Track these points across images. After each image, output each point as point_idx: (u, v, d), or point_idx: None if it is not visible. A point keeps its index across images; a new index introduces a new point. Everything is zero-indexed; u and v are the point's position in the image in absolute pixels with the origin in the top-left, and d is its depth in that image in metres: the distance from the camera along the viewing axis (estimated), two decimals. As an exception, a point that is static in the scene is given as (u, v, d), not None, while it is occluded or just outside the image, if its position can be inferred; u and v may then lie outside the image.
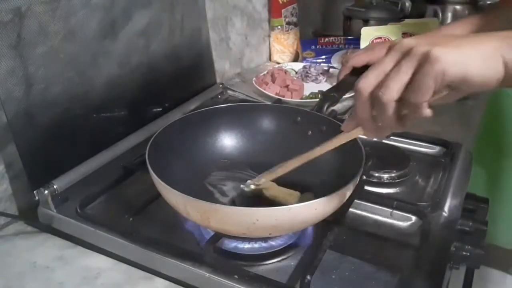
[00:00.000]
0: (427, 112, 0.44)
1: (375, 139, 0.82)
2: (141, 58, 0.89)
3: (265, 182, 0.67)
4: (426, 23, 1.25)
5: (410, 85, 0.43)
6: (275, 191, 0.67)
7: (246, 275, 0.59)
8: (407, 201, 0.72)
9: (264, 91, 1.11)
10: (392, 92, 0.44)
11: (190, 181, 0.71)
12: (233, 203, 0.70)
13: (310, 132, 0.78)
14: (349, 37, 1.41)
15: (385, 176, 0.78)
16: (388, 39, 1.19)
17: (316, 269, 0.57)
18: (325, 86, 1.10)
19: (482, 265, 0.67)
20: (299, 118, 0.80)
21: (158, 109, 0.94)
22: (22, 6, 0.66)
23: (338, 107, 1.05)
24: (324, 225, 0.65)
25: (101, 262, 0.65)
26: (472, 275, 0.73)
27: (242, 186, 0.69)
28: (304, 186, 0.74)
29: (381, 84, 0.45)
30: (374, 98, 0.45)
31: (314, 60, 1.34)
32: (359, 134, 0.53)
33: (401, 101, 0.44)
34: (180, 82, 1.01)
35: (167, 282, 0.62)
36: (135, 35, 0.86)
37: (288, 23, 1.41)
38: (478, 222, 0.71)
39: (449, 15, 1.38)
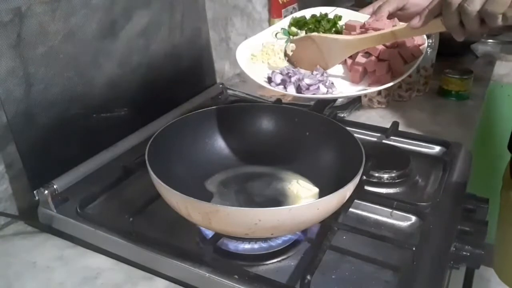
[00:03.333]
0: (500, 21, 0.56)
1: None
2: (141, 58, 0.89)
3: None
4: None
5: None
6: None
7: (246, 275, 0.59)
8: (407, 201, 0.72)
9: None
10: (476, 4, 0.56)
11: (190, 181, 0.71)
12: (233, 203, 0.70)
13: (308, 133, 0.78)
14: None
15: (385, 176, 0.78)
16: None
17: (316, 269, 0.57)
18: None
19: (482, 265, 0.67)
20: (296, 118, 0.80)
21: (158, 109, 0.94)
22: (22, 6, 0.66)
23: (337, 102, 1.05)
24: (324, 225, 0.65)
25: (101, 262, 0.65)
26: (472, 275, 0.73)
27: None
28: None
29: None
30: (461, 8, 0.57)
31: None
32: (442, 30, 0.63)
33: (482, 11, 0.56)
34: (180, 82, 1.01)
35: (167, 282, 0.62)
36: (135, 35, 0.86)
37: (288, 23, 1.41)
38: (478, 222, 0.71)
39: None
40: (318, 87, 0.68)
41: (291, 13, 1.43)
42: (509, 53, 1.50)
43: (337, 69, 0.75)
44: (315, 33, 0.77)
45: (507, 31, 1.55)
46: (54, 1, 0.70)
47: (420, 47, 0.70)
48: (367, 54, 0.71)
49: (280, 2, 1.39)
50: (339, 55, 0.71)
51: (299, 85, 0.69)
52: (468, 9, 0.56)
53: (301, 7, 1.46)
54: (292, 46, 0.75)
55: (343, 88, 0.71)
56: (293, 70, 0.72)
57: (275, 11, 1.39)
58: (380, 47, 0.70)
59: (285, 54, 0.75)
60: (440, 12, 0.61)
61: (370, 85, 0.70)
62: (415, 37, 0.71)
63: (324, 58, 0.72)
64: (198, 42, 1.05)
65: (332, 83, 0.70)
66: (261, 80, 0.71)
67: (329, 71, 0.74)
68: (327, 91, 0.69)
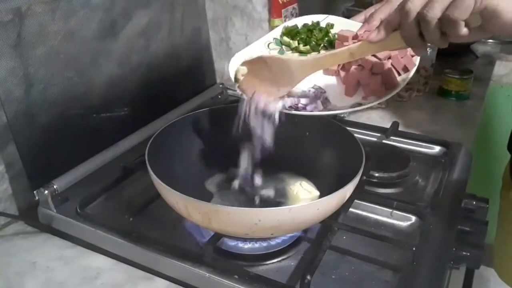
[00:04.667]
0: (464, 31, 0.52)
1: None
2: (141, 58, 0.89)
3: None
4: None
5: (453, 3, 0.51)
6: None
7: (246, 275, 0.59)
8: (407, 201, 0.72)
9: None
10: (437, 10, 0.52)
11: (190, 181, 0.71)
12: (233, 203, 0.70)
13: (307, 133, 0.78)
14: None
15: (385, 176, 0.78)
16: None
17: (316, 269, 0.57)
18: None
19: (482, 265, 0.67)
20: (296, 118, 0.80)
21: (158, 109, 0.94)
22: (22, 6, 0.66)
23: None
24: (324, 225, 0.65)
25: (101, 262, 0.65)
26: (472, 275, 0.73)
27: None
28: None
29: (426, 5, 0.52)
30: (420, 16, 0.53)
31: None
32: (401, 47, 0.59)
33: (444, 19, 0.52)
34: (180, 82, 1.01)
35: (167, 282, 0.62)
36: (135, 35, 0.86)
37: (288, 23, 1.41)
38: (478, 222, 0.71)
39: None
40: (315, 106, 0.68)
41: (291, 13, 1.43)
42: (509, 53, 1.50)
43: (331, 82, 0.73)
44: (266, 54, 0.74)
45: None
46: (54, 1, 0.70)
47: (413, 58, 0.70)
48: (360, 66, 0.70)
49: (280, 2, 1.39)
50: (293, 78, 0.66)
51: (297, 106, 0.68)
52: (428, 16, 0.52)
53: (301, 7, 1.46)
54: (242, 69, 0.69)
55: (337, 101, 0.70)
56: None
57: (275, 11, 1.39)
58: (373, 59, 0.69)
59: (235, 79, 0.69)
60: (399, 26, 0.57)
61: (364, 98, 0.69)
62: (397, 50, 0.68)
63: (277, 81, 0.66)
64: (198, 42, 1.05)
65: (327, 98, 0.70)
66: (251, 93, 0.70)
67: (323, 84, 0.72)
68: (324, 107, 0.68)
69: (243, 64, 0.68)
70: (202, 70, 1.09)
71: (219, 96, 1.10)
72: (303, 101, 0.67)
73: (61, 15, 0.72)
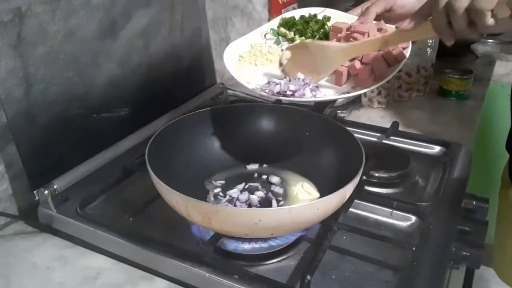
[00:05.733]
0: (491, 21, 0.54)
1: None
2: (141, 58, 0.89)
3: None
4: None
5: None
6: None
7: (246, 275, 0.59)
8: (407, 201, 0.72)
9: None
10: (463, 1, 0.54)
11: (190, 181, 0.71)
12: (234, 203, 0.70)
13: (307, 133, 0.78)
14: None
15: (385, 176, 0.78)
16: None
17: (316, 269, 0.57)
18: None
19: (482, 265, 0.67)
20: (296, 118, 0.80)
21: (158, 109, 0.94)
22: (22, 6, 0.66)
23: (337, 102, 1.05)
24: (324, 225, 0.65)
25: (101, 262, 0.65)
26: (472, 275, 0.73)
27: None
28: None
29: None
30: (449, 6, 0.55)
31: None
32: (432, 36, 0.62)
33: (471, 9, 0.54)
34: (180, 82, 1.01)
35: (167, 282, 0.62)
36: (135, 35, 0.86)
37: (288, 23, 1.41)
38: (478, 222, 0.71)
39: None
40: (303, 93, 0.68)
41: (291, 13, 1.43)
42: (509, 53, 1.50)
43: None
44: (309, 40, 0.77)
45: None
46: (54, 1, 0.70)
47: (404, 51, 0.70)
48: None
49: (280, 2, 1.39)
50: (332, 63, 0.70)
51: (285, 92, 0.68)
52: (455, 5, 0.55)
53: (301, 7, 1.46)
54: (287, 54, 0.74)
55: (327, 91, 0.71)
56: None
57: (275, 11, 1.40)
58: None
59: (280, 64, 0.74)
60: (430, 15, 0.60)
61: (353, 88, 0.70)
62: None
63: (317, 66, 0.71)
64: (198, 42, 1.05)
65: (317, 87, 0.70)
66: (246, 82, 0.71)
67: None
68: (312, 94, 0.69)
69: (288, 49, 0.74)
70: (202, 70, 1.09)
71: (219, 96, 1.10)
72: (291, 87, 0.68)
73: (61, 15, 0.72)
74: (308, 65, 0.71)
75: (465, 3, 0.54)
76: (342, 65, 0.71)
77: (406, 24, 0.62)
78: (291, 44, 0.76)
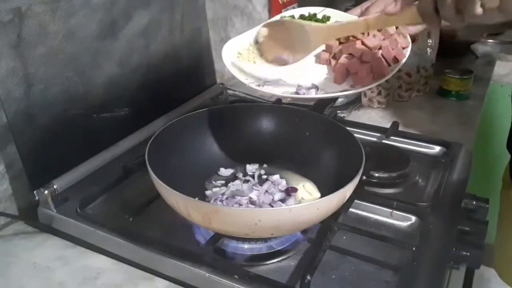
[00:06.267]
0: (479, 10, 0.52)
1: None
2: (141, 58, 0.89)
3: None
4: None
5: None
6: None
7: (246, 275, 0.59)
8: (407, 201, 0.72)
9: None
10: None
11: (190, 181, 0.71)
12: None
13: (307, 133, 0.78)
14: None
15: (385, 176, 0.78)
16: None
17: (316, 269, 0.57)
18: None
19: (482, 265, 0.67)
20: (296, 118, 0.80)
21: (158, 109, 0.94)
22: (22, 6, 0.66)
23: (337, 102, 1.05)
24: (324, 225, 0.65)
25: (101, 262, 0.65)
26: (472, 275, 0.73)
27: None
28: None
29: None
30: None
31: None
32: (417, 22, 0.60)
33: None
34: (180, 82, 1.01)
35: (167, 282, 0.62)
36: (135, 35, 0.86)
37: (288, 23, 1.41)
38: (478, 222, 0.71)
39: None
40: (304, 92, 0.69)
41: (291, 13, 1.42)
42: (509, 53, 1.50)
43: (322, 70, 0.74)
44: (288, 18, 0.75)
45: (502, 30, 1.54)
46: (54, 1, 0.70)
47: (404, 50, 0.70)
48: (351, 55, 0.71)
49: (280, 2, 1.39)
50: (311, 44, 0.68)
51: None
52: None
53: (301, 7, 1.46)
54: (263, 31, 0.72)
55: (326, 88, 0.71)
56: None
57: (275, 11, 1.39)
58: (363, 48, 0.70)
59: (255, 41, 0.72)
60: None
61: (352, 86, 0.70)
62: (399, 39, 0.70)
63: (295, 46, 0.69)
64: (198, 42, 1.05)
65: (316, 86, 0.71)
66: (244, 79, 0.71)
67: (315, 71, 0.73)
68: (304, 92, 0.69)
69: (264, 25, 0.71)
70: (202, 70, 1.09)
71: (219, 96, 1.10)
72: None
73: (61, 15, 0.72)
74: (286, 43, 0.69)
75: None
76: (341, 63, 0.70)
77: (391, 8, 0.60)
78: (268, 21, 0.74)
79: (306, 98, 0.69)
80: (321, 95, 0.70)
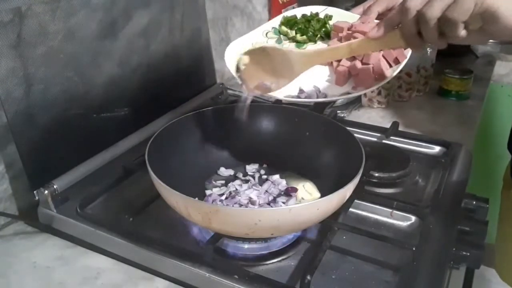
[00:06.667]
0: (463, 32, 0.52)
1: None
2: (141, 58, 0.89)
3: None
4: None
5: (453, 4, 0.51)
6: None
7: (246, 275, 0.59)
8: (407, 201, 0.72)
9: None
10: (436, 10, 0.52)
11: (190, 181, 0.71)
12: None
13: (308, 133, 0.78)
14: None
15: (385, 176, 0.78)
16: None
17: (316, 269, 0.57)
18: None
19: (482, 265, 0.67)
20: (296, 118, 0.80)
21: (158, 109, 0.94)
22: (22, 6, 0.66)
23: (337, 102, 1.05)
24: (324, 225, 0.65)
25: (101, 262, 0.65)
26: (472, 275, 0.73)
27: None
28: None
29: (427, 4, 0.52)
30: (420, 15, 0.53)
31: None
32: (400, 45, 0.60)
33: (443, 20, 0.52)
34: (180, 82, 1.01)
35: (167, 282, 0.62)
36: (135, 35, 0.86)
37: (288, 23, 1.41)
38: (478, 222, 0.71)
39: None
40: (306, 96, 0.69)
41: (291, 13, 1.42)
42: (509, 53, 1.50)
43: (323, 72, 0.74)
44: (269, 45, 0.74)
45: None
46: (54, 1, 0.70)
47: (405, 51, 0.70)
48: (352, 57, 0.71)
49: (280, 2, 1.39)
50: (294, 70, 0.66)
51: None
52: (427, 15, 0.52)
53: (301, 7, 1.46)
54: (245, 58, 0.69)
55: (328, 91, 0.71)
56: None
57: (275, 11, 1.39)
58: None
59: (237, 69, 0.69)
60: (399, 23, 0.57)
61: (353, 88, 0.70)
62: None
63: (277, 72, 0.67)
64: (198, 42, 1.05)
65: (318, 88, 0.70)
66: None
67: (316, 73, 0.73)
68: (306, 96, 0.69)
69: (246, 53, 0.68)
70: (202, 70, 1.09)
71: (219, 96, 1.10)
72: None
73: (61, 15, 0.72)
74: (268, 70, 0.67)
75: (437, 13, 0.52)
76: (342, 65, 0.70)
77: (374, 32, 0.59)
78: (249, 49, 0.70)
79: (308, 101, 0.69)
80: (322, 99, 0.69)
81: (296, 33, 0.80)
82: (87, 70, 0.78)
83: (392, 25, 0.58)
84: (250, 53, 0.68)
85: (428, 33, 0.54)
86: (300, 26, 0.80)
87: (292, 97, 0.69)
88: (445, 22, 0.52)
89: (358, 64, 0.69)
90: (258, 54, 0.67)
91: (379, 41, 0.60)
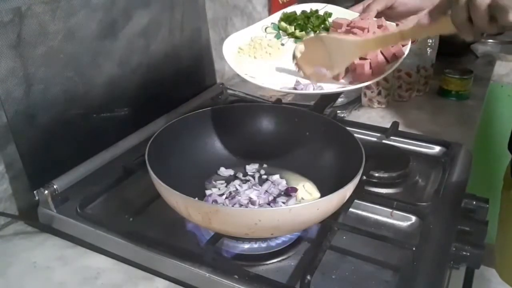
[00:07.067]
0: (511, 18, 0.52)
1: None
2: (141, 58, 0.89)
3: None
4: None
5: None
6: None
7: (246, 275, 0.59)
8: (407, 201, 0.72)
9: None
10: None
11: (190, 181, 0.71)
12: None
13: (307, 133, 0.78)
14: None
15: (385, 176, 0.78)
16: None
17: (316, 269, 0.57)
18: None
19: (482, 265, 0.67)
20: (296, 118, 0.80)
21: (158, 109, 0.94)
22: (22, 6, 0.66)
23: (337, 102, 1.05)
24: (324, 225, 0.65)
25: (101, 262, 0.65)
26: (472, 275, 0.73)
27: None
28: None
29: None
30: (469, 2, 0.54)
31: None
32: (451, 31, 0.59)
33: (493, 5, 0.52)
34: (180, 82, 1.01)
35: (167, 282, 0.62)
36: (135, 35, 0.86)
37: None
38: (478, 222, 0.71)
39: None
40: (302, 88, 0.69)
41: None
42: (509, 53, 1.50)
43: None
44: (324, 34, 0.77)
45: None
46: (54, 1, 0.70)
47: (403, 48, 0.70)
48: None
49: (280, 2, 1.39)
50: (346, 58, 0.69)
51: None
52: (477, 0, 0.53)
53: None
54: (301, 47, 0.74)
55: (324, 84, 0.71)
56: None
57: (275, 11, 1.39)
58: None
59: (293, 57, 0.74)
60: (449, 9, 0.58)
61: (351, 82, 0.70)
62: None
63: (331, 60, 0.70)
64: (198, 42, 1.05)
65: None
66: (243, 73, 0.71)
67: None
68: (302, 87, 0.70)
69: (302, 42, 0.73)
70: (202, 70, 1.09)
71: (219, 96, 1.10)
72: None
73: (61, 15, 0.72)
74: (322, 58, 0.70)
75: None
76: None
77: (426, 18, 0.60)
78: (306, 38, 0.76)
79: (304, 93, 0.69)
80: (319, 90, 0.70)
81: (295, 29, 0.80)
82: (87, 70, 0.78)
83: (442, 12, 0.59)
84: (306, 41, 0.73)
85: (478, 19, 0.54)
86: (299, 22, 0.80)
87: (289, 88, 0.69)
88: (495, 7, 0.52)
89: (356, 59, 0.69)
90: (313, 42, 0.72)
91: (429, 28, 0.61)
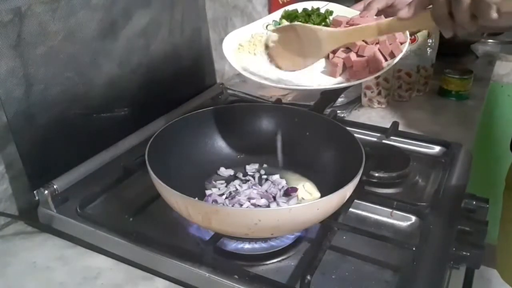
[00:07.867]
0: (495, 15, 0.51)
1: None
2: (141, 58, 0.89)
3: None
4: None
5: None
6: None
7: (246, 275, 0.59)
8: (407, 201, 0.72)
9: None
10: None
11: (190, 181, 0.71)
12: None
13: (308, 133, 0.78)
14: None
15: (385, 176, 0.78)
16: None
17: (316, 269, 0.57)
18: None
19: (483, 265, 0.67)
20: (296, 118, 0.80)
21: (158, 109, 0.94)
22: (22, 6, 0.66)
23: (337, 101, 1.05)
24: (324, 225, 0.65)
25: (101, 262, 0.65)
26: (472, 275, 0.73)
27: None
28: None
29: None
30: None
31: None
32: (430, 26, 0.59)
33: (475, 1, 0.51)
34: (180, 82, 1.01)
35: (167, 282, 0.62)
36: (135, 35, 0.86)
37: (288, 23, 1.41)
38: (478, 222, 0.71)
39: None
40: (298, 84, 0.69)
41: (291, 13, 1.42)
42: (509, 53, 1.50)
43: (319, 63, 0.74)
44: (298, 23, 0.75)
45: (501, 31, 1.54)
46: (54, 1, 0.70)
47: (401, 46, 0.70)
48: (347, 49, 0.71)
49: (280, 2, 1.39)
50: (322, 49, 0.68)
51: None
52: None
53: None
54: (273, 36, 0.72)
55: (321, 81, 0.71)
56: None
57: (275, 10, 1.39)
58: (360, 42, 0.70)
59: (266, 47, 0.72)
60: (430, 4, 0.57)
61: (347, 80, 0.70)
62: (397, 34, 0.69)
63: (305, 51, 0.68)
64: (198, 42, 1.05)
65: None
66: (242, 70, 0.71)
67: (312, 64, 0.73)
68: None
69: (275, 31, 0.70)
70: (202, 70, 1.09)
71: (219, 96, 1.10)
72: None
73: (61, 15, 0.72)
74: (296, 48, 0.68)
75: None
76: (337, 57, 0.70)
77: (404, 12, 0.58)
78: (278, 26, 0.73)
79: (301, 89, 0.69)
80: (316, 86, 0.70)
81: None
82: (87, 70, 0.78)
83: (423, 6, 0.58)
84: (279, 30, 0.70)
85: (460, 14, 0.53)
86: (300, 19, 0.80)
87: (286, 84, 0.69)
88: (477, 4, 0.51)
89: (353, 56, 0.69)
90: (286, 32, 0.69)
91: (408, 22, 0.59)
